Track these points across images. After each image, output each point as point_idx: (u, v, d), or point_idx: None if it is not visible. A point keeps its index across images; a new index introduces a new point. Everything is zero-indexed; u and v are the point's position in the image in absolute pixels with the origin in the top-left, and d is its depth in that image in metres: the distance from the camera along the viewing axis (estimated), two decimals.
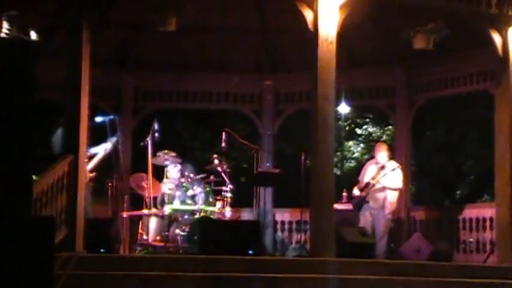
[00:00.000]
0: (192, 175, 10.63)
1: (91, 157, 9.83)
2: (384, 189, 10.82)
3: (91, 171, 9.80)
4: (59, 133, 9.82)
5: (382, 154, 11.09)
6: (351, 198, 11.08)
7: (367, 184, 10.92)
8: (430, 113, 16.45)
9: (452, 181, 19.01)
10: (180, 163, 10.85)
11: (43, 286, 5.23)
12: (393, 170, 10.90)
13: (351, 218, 10.95)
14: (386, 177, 10.83)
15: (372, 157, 11.63)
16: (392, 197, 10.87)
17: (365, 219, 10.82)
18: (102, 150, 9.99)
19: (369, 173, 11.05)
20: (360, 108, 17.63)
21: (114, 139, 9.94)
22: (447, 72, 11.72)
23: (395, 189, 10.88)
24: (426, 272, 8.47)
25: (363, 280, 8.02)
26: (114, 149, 9.97)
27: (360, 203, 10.92)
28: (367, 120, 19.59)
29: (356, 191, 11.01)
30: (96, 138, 10.06)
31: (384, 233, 10.74)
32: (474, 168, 18.44)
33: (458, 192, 19.11)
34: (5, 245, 5.19)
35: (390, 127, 17.79)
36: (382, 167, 10.93)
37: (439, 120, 18.29)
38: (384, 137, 18.65)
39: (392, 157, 11.25)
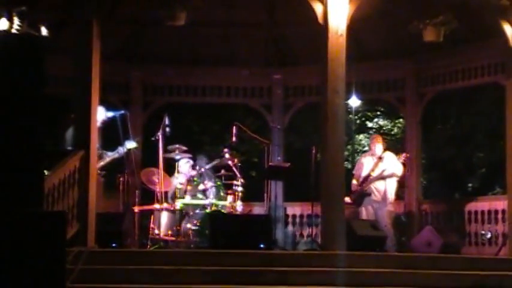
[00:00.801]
0: (207, 166, 10.65)
1: (100, 156, 9.81)
2: (384, 180, 10.81)
3: (100, 169, 9.79)
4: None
5: (378, 146, 11.11)
6: (349, 192, 11.04)
7: (367, 177, 10.93)
8: (440, 106, 16.40)
9: (463, 174, 18.97)
10: (191, 157, 10.87)
11: (55, 280, 5.26)
12: (391, 160, 10.91)
13: (352, 212, 10.93)
14: (390, 166, 10.83)
15: (368, 150, 11.63)
16: (392, 188, 10.87)
17: (367, 213, 10.83)
18: (116, 153, 9.98)
19: (366, 166, 11.05)
20: (371, 102, 17.60)
21: (132, 144, 9.92)
22: (457, 65, 11.67)
23: (398, 176, 10.87)
24: (437, 265, 8.45)
25: (374, 273, 8.02)
26: (128, 152, 9.98)
27: (360, 197, 10.92)
28: (378, 113, 19.57)
29: (354, 186, 11.01)
30: (107, 133, 10.09)
31: (388, 224, 10.74)
32: (485, 160, 18.39)
33: (469, 185, 19.07)
34: (18, 240, 5.22)
35: (401, 120, 17.75)
36: (380, 158, 10.94)
37: (449, 113, 18.24)
38: (395, 130, 18.62)
39: (387, 149, 11.26)
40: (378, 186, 10.87)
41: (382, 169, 10.86)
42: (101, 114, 9.61)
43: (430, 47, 11.06)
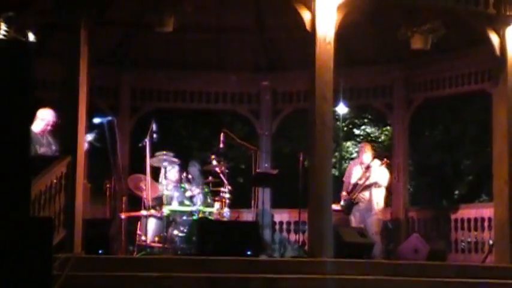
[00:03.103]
0: (198, 172, 10.62)
1: None
2: (369, 189, 10.85)
3: None
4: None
5: (366, 154, 11.17)
6: (339, 200, 11.08)
7: (355, 185, 10.97)
8: (427, 112, 16.44)
9: (450, 181, 19.02)
10: (179, 163, 10.84)
11: (41, 286, 5.22)
12: (378, 169, 10.94)
13: (342, 220, 10.96)
14: (375, 174, 10.87)
15: (356, 158, 11.67)
16: (378, 196, 10.90)
17: (356, 220, 10.87)
18: None
19: (354, 175, 11.10)
20: (358, 109, 17.63)
21: (90, 136, 9.83)
22: (445, 72, 11.72)
23: (384, 186, 10.91)
24: (424, 272, 8.46)
25: (361, 280, 8.01)
26: (91, 146, 9.89)
27: (349, 205, 10.95)
28: (365, 120, 19.60)
29: (344, 193, 11.05)
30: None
31: (376, 233, 10.76)
32: (472, 167, 18.45)
33: (456, 192, 19.12)
34: (4, 246, 5.18)
35: (388, 128, 17.79)
36: (368, 167, 10.98)
37: (437, 120, 18.29)
38: (382, 138, 18.65)
39: (375, 156, 11.28)
40: (364, 195, 10.91)
41: (368, 178, 10.90)
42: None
43: (418, 54, 11.10)
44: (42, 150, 9.55)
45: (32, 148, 9.47)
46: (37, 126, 9.69)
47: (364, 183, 10.88)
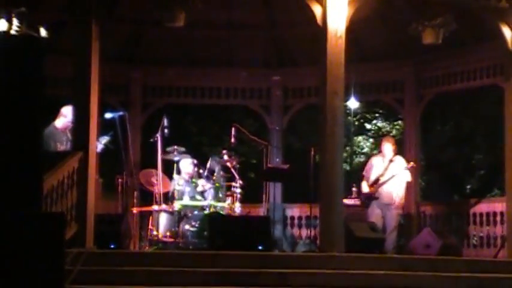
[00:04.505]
0: (219, 167, 10.60)
1: None
2: (392, 184, 10.81)
3: None
4: (48, 130, 9.82)
5: (388, 148, 11.09)
6: (359, 194, 11.08)
7: (377, 180, 10.92)
8: (439, 107, 16.41)
9: (462, 176, 18.97)
10: (192, 158, 10.84)
11: (53, 281, 5.26)
12: (401, 164, 10.92)
13: (359, 214, 10.95)
14: (397, 169, 10.84)
15: (378, 152, 11.62)
16: (400, 191, 10.88)
17: (375, 215, 10.82)
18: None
19: (376, 169, 11.04)
20: (370, 103, 17.60)
21: (105, 139, 9.90)
22: (456, 67, 11.69)
23: (404, 182, 10.89)
24: (436, 267, 8.45)
25: (372, 275, 8.01)
26: (106, 149, 9.95)
27: (368, 199, 10.92)
28: (377, 115, 19.56)
29: (365, 187, 11.00)
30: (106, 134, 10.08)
31: (394, 228, 10.75)
32: (484, 162, 18.39)
33: (468, 186, 19.06)
34: (16, 241, 5.21)
35: (400, 122, 17.75)
36: (391, 161, 10.94)
37: (448, 114, 18.24)
38: (394, 132, 18.61)
39: (397, 152, 11.24)
40: (386, 189, 10.84)
41: (392, 173, 10.84)
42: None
43: (429, 48, 11.07)
44: (61, 146, 9.62)
45: (52, 144, 9.55)
46: (59, 123, 9.78)
47: (391, 177, 10.83)
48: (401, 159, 11.05)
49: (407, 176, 10.95)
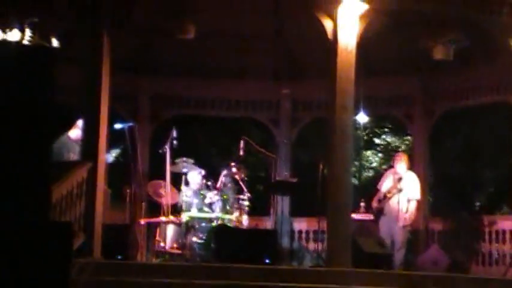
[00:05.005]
0: (230, 179, 10.57)
1: None
2: (398, 201, 10.72)
3: None
4: (61, 140, 9.85)
5: (400, 165, 11.01)
6: (369, 208, 11.03)
7: (385, 196, 10.87)
8: (448, 122, 16.37)
9: (471, 192, 18.90)
10: (201, 170, 10.83)
11: None
12: (411, 181, 10.85)
13: (370, 228, 10.90)
14: (405, 188, 10.77)
15: (391, 166, 11.58)
16: (409, 208, 10.77)
17: (383, 230, 10.78)
18: None
19: (386, 184, 11.00)
20: (379, 118, 17.58)
21: (111, 157, 9.93)
22: (466, 82, 11.67)
23: (414, 200, 10.81)
24: (443, 284, 8.41)
25: None
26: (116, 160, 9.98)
27: (378, 213, 10.88)
28: (386, 130, 19.54)
29: (375, 202, 10.97)
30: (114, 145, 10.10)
31: (402, 244, 10.67)
32: (493, 179, 18.32)
33: (477, 203, 18.99)
34: (24, 250, 5.21)
35: (409, 137, 17.72)
36: (399, 179, 10.85)
37: (458, 130, 18.20)
38: (403, 147, 18.59)
39: (410, 168, 11.17)
40: (391, 206, 10.76)
41: (399, 190, 10.77)
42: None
43: (439, 64, 11.06)
44: (74, 156, 9.64)
45: (65, 153, 9.58)
46: (73, 133, 9.83)
47: (391, 196, 10.77)
48: (412, 176, 10.97)
49: (415, 193, 10.84)
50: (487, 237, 11.14)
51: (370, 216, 10.94)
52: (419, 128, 12.35)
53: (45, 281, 5.22)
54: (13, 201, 5.42)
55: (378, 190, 11.12)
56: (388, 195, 10.84)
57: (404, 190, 10.76)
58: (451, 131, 18.01)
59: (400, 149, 18.14)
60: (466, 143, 18.46)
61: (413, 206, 10.81)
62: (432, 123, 12.27)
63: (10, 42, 6.46)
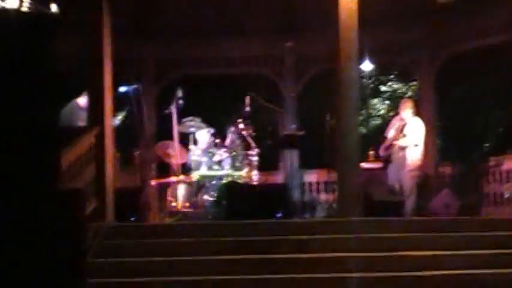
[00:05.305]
0: (236, 136, 10.58)
1: None
2: (403, 147, 10.76)
3: None
4: (68, 107, 9.87)
5: (406, 111, 11.02)
6: (378, 156, 11.06)
7: (391, 143, 10.90)
8: (455, 66, 16.26)
9: (480, 135, 18.87)
10: (209, 128, 10.85)
11: (75, 256, 5.30)
12: (416, 126, 10.84)
13: (380, 176, 10.94)
14: (410, 134, 10.78)
15: (396, 114, 11.58)
16: (413, 154, 10.79)
17: (391, 177, 10.82)
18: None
19: (392, 131, 11.01)
20: (384, 65, 17.48)
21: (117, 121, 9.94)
22: (471, 24, 11.54)
23: (419, 145, 10.82)
24: (455, 227, 8.45)
25: (392, 238, 8.03)
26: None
27: (386, 161, 10.91)
28: (392, 77, 19.46)
29: (382, 150, 10.99)
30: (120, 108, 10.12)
31: (411, 191, 10.71)
32: (502, 119, 18.26)
33: (486, 144, 18.97)
34: (37, 218, 5.26)
35: (415, 83, 17.65)
36: (404, 125, 10.87)
37: (465, 73, 18.09)
38: (409, 93, 18.53)
39: (417, 114, 11.16)
40: (398, 153, 10.80)
41: (404, 136, 10.78)
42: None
43: (443, 7, 10.94)
44: (81, 123, 9.68)
45: (73, 120, 9.62)
46: (82, 100, 9.85)
47: (397, 142, 10.78)
48: (417, 121, 10.97)
49: (417, 139, 10.80)
50: (496, 177, 11.13)
51: (380, 165, 10.96)
52: (426, 73, 12.31)
53: (60, 248, 5.27)
54: (23, 170, 5.45)
55: (385, 138, 11.13)
56: (395, 142, 10.85)
57: (409, 136, 10.77)
58: (459, 76, 17.90)
59: (406, 95, 18.08)
60: (474, 85, 18.36)
61: (419, 151, 10.83)
62: (437, 67, 12.21)
63: (9, 10, 6.43)
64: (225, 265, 7.48)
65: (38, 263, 5.22)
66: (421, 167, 11.11)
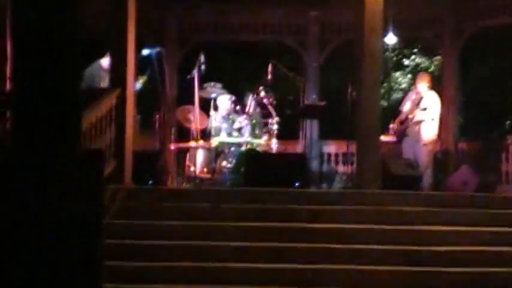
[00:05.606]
0: (254, 103, 10.55)
1: None
2: (418, 122, 10.70)
3: None
4: (91, 68, 9.86)
5: (422, 84, 10.94)
6: (394, 130, 11.01)
7: (407, 117, 10.84)
8: (479, 43, 16.10)
9: (501, 112, 18.72)
10: (230, 94, 10.83)
11: (92, 217, 5.33)
12: (432, 100, 10.77)
13: (399, 150, 10.91)
14: (426, 108, 10.71)
15: (413, 88, 11.52)
16: (428, 128, 10.72)
17: (407, 151, 10.77)
18: None
19: (408, 105, 10.94)
20: (408, 39, 17.35)
21: (139, 84, 9.92)
22: (498, 0, 11.42)
23: (435, 119, 10.74)
24: (473, 203, 8.43)
25: (409, 212, 8.03)
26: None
27: (401, 135, 10.85)
28: (415, 50, 19.31)
29: (397, 124, 10.92)
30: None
31: (426, 165, 10.67)
32: None
33: (507, 122, 18.83)
34: (55, 178, 5.28)
35: (438, 57, 17.51)
36: (420, 99, 10.79)
37: (489, 51, 17.91)
38: (432, 68, 18.39)
39: (432, 87, 11.07)
40: (413, 127, 10.76)
41: (422, 109, 10.71)
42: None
43: None
44: (104, 85, 9.69)
45: (96, 81, 9.63)
46: (105, 61, 9.84)
47: (414, 116, 10.72)
48: (433, 95, 10.89)
49: (433, 113, 10.72)
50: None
51: (394, 138, 10.91)
52: (450, 48, 12.20)
53: (77, 208, 5.30)
54: (43, 130, 5.47)
55: (400, 112, 11.07)
56: (410, 116, 10.80)
57: (425, 109, 10.71)
58: (483, 51, 17.74)
59: (429, 70, 17.93)
60: (498, 63, 18.19)
61: (435, 125, 10.76)
62: (462, 43, 12.11)
63: None
64: (241, 232, 7.52)
65: (54, 223, 5.25)
66: (437, 142, 11.06)
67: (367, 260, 7.21)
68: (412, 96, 11.09)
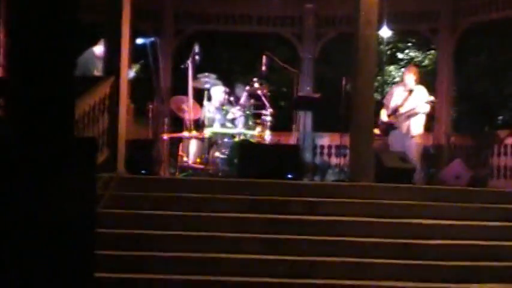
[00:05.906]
0: (245, 94, 10.53)
1: None
2: (410, 115, 10.66)
3: None
4: (84, 55, 9.82)
5: (410, 77, 10.88)
6: (378, 123, 10.96)
7: (395, 110, 10.79)
8: (473, 38, 16.13)
9: (494, 107, 18.78)
10: (223, 85, 10.82)
11: (85, 205, 5.31)
12: (420, 94, 10.75)
13: (384, 144, 10.88)
14: (418, 101, 10.68)
15: (400, 81, 11.49)
16: (417, 122, 10.70)
17: (394, 144, 10.73)
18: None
19: (396, 98, 10.88)
20: (402, 33, 17.36)
21: (132, 73, 9.87)
22: None
23: (423, 113, 10.72)
24: (465, 197, 8.44)
25: (401, 205, 8.04)
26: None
27: (387, 128, 10.80)
28: (409, 44, 19.32)
29: (384, 116, 10.86)
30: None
31: (415, 158, 10.65)
32: None
33: (500, 117, 18.89)
34: (47, 166, 5.26)
35: (432, 51, 17.53)
36: (410, 92, 10.74)
37: (483, 45, 17.94)
38: (426, 62, 18.41)
39: (420, 81, 11.03)
40: (403, 120, 10.73)
41: (411, 103, 10.70)
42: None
43: None
44: (97, 73, 9.65)
45: (90, 68, 9.59)
46: (98, 49, 9.80)
47: (409, 110, 10.68)
48: (422, 90, 10.85)
49: (426, 108, 10.72)
50: (508, 150, 11.08)
51: (377, 131, 10.84)
52: (444, 43, 12.21)
53: (69, 196, 5.28)
54: (36, 117, 5.44)
55: (383, 105, 11.02)
56: (400, 109, 10.76)
57: (415, 104, 10.67)
58: (476, 45, 17.76)
59: (423, 64, 17.95)
60: (491, 58, 18.22)
61: (421, 119, 10.73)
62: (457, 37, 12.12)
63: None
64: (234, 223, 7.51)
65: (46, 208, 5.23)
66: (425, 135, 11.02)
67: (362, 252, 7.22)
68: (398, 89, 11.01)
